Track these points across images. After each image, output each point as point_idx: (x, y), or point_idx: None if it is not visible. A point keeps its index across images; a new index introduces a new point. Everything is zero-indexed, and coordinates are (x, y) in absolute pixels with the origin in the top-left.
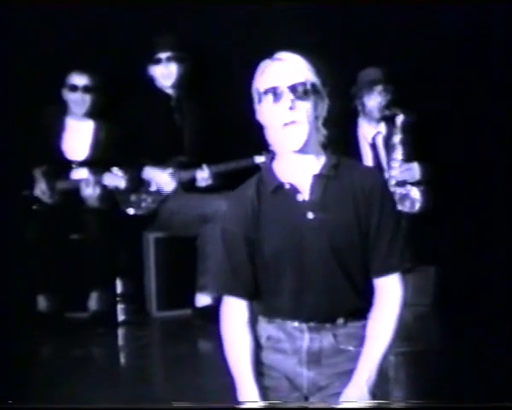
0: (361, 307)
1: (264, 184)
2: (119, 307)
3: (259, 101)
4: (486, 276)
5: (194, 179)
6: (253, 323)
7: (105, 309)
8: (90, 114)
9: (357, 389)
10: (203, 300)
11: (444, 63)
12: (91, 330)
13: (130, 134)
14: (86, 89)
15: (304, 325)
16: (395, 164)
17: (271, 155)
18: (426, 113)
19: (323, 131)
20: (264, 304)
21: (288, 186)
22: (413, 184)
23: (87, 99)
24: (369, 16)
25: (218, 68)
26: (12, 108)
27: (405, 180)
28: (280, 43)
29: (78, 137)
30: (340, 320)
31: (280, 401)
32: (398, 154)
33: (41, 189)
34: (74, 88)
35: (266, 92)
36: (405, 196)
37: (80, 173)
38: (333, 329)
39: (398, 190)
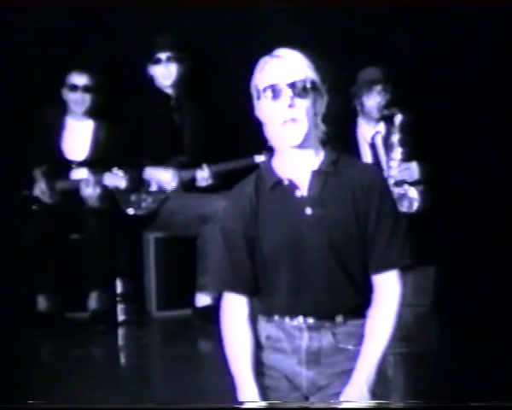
0: (360, 304)
1: (262, 181)
2: (119, 307)
3: (258, 97)
4: (486, 276)
5: (194, 179)
6: (254, 321)
7: (105, 308)
8: (90, 113)
9: (357, 389)
10: (203, 300)
11: (443, 63)
12: (91, 328)
13: (129, 134)
14: (86, 88)
15: (303, 324)
16: (394, 164)
17: (270, 153)
18: (425, 113)
19: (322, 128)
20: (263, 301)
21: (286, 182)
22: (411, 183)
23: (87, 99)
24: (368, 16)
25: (217, 68)
26: (12, 107)
27: (404, 180)
28: (280, 44)
29: (77, 137)
30: (339, 318)
31: (280, 401)
32: (397, 153)
33: (41, 189)
34: (74, 88)
35: (265, 89)
36: (403, 196)
37: (80, 173)
38: (332, 327)
39: (397, 190)
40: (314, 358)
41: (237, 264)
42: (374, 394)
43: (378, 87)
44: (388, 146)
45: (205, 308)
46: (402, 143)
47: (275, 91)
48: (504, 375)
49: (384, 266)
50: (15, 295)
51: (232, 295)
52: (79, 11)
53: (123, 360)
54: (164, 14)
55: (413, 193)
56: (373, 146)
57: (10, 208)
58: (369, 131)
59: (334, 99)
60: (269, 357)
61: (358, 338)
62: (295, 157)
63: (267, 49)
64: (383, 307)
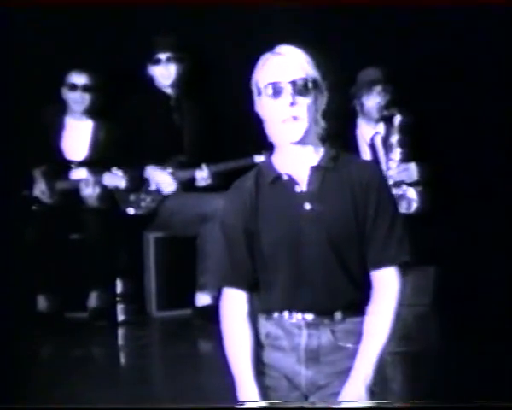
0: (359, 300)
1: (262, 176)
2: (119, 307)
3: (259, 94)
4: (486, 276)
5: (193, 179)
6: (254, 319)
7: (104, 306)
8: (90, 113)
9: (355, 388)
10: (203, 299)
11: (443, 64)
12: (91, 326)
13: (129, 134)
14: (86, 88)
15: (302, 322)
16: (393, 164)
17: (270, 149)
18: (424, 113)
19: (322, 124)
20: (262, 297)
21: (286, 177)
22: (410, 184)
23: (86, 98)
24: (368, 17)
25: (217, 68)
26: (11, 107)
27: (403, 181)
28: (280, 44)
29: (77, 137)
30: (338, 315)
31: (280, 401)
32: (396, 154)
33: (40, 189)
34: (74, 87)
35: (266, 87)
36: (402, 197)
37: (80, 173)
38: (331, 325)
39: (395, 191)
40: (313, 356)
41: (237, 259)
42: (372, 393)
43: (378, 88)
44: (387, 147)
45: (205, 308)
46: (401, 143)
47: (276, 89)
48: (504, 375)
49: (382, 262)
50: (15, 295)
51: (232, 292)
52: (79, 11)
53: (123, 360)
54: (164, 14)
55: (412, 194)
56: (372, 146)
57: (10, 208)
58: (368, 132)
59: (334, 96)
60: (268, 356)
61: (357, 336)
62: (295, 153)
63: (267, 50)
64: (382, 303)
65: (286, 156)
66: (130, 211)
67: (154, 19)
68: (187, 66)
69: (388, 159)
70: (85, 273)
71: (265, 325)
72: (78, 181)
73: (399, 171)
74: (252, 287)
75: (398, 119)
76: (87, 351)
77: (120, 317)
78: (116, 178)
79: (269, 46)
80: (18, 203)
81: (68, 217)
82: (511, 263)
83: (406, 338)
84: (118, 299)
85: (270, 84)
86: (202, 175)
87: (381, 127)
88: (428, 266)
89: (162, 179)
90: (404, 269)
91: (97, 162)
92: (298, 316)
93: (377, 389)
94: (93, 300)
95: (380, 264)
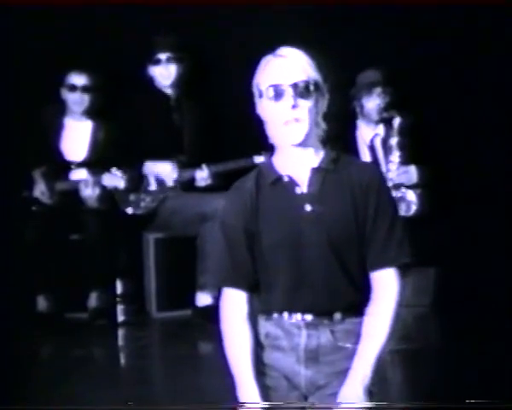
0: (358, 301)
1: (263, 177)
2: (119, 307)
3: (260, 96)
4: (486, 276)
5: (193, 179)
6: (253, 320)
7: (104, 306)
8: (89, 113)
9: (353, 388)
10: (203, 299)
11: (443, 66)
12: (91, 326)
13: (129, 134)
14: (85, 89)
15: (301, 322)
16: (392, 167)
17: (271, 150)
18: (424, 115)
19: (323, 126)
20: (262, 297)
21: (286, 179)
22: (409, 187)
23: (86, 99)
24: (368, 18)
25: (217, 68)
26: (11, 107)
27: (402, 183)
28: (280, 44)
29: (76, 138)
30: (338, 316)
31: (280, 402)
32: (395, 157)
33: (40, 190)
34: (73, 88)
35: (268, 89)
36: (401, 199)
37: (79, 174)
38: (330, 325)
39: (395, 193)
40: (312, 356)
41: (237, 260)
42: (371, 393)
43: (378, 89)
44: (387, 149)
45: (205, 308)
46: (400, 146)
47: (277, 91)
48: (504, 375)
49: (382, 263)
50: (15, 295)
51: (232, 292)
52: (79, 11)
53: (123, 360)
54: (164, 14)
55: (411, 196)
56: (372, 148)
57: (10, 209)
58: (368, 134)
59: (335, 98)
60: (268, 356)
61: (357, 336)
62: (296, 155)
63: (267, 50)
64: (381, 304)
65: (286, 158)
66: (130, 211)
67: (154, 19)
68: (187, 66)
69: (388, 161)
70: (85, 273)
71: (265, 326)
72: (77, 182)
73: (399, 173)
74: (252, 288)
75: (397, 121)
76: (87, 351)
77: (120, 317)
78: (116, 179)
79: (268, 46)
80: (18, 204)
81: (68, 217)
82: (511, 263)
83: (405, 338)
84: (118, 299)
85: (271, 86)
86: (202, 175)
87: (381, 129)
88: (428, 267)
89: (163, 170)
90: (404, 271)
91: (97, 163)
92: (297, 316)
93: (376, 389)
94: (93, 300)
95: (379, 265)
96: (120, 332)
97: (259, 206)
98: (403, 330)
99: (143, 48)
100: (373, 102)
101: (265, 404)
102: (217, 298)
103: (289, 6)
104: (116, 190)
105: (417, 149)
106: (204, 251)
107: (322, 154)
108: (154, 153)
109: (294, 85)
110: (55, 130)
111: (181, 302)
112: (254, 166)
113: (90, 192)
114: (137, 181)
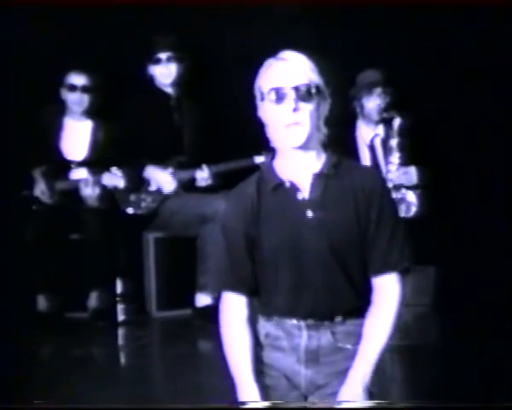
0: (359, 305)
1: (264, 182)
2: (119, 307)
3: (262, 99)
4: (486, 276)
5: (193, 179)
6: (253, 321)
7: (105, 306)
8: (89, 113)
9: (352, 389)
10: (203, 300)
11: (443, 66)
12: (91, 326)
13: (129, 134)
14: (85, 89)
15: (302, 323)
16: (392, 168)
17: (272, 154)
18: (424, 116)
19: (324, 130)
20: (262, 301)
21: (288, 184)
22: (409, 187)
23: (86, 99)
24: (368, 18)
25: (217, 68)
26: (11, 107)
27: (402, 184)
28: (279, 44)
29: (76, 137)
30: (339, 318)
31: (280, 401)
32: (395, 157)
33: (40, 189)
34: (73, 88)
35: (269, 92)
36: (401, 200)
37: (79, 173)
38: (331, 327)
39: (395, 194)
40: (313, 356)
41: (237, 263)
42: (370, 393)
43: (378, 90)
44: (387, 149)
45: (205, 308)
46: (400, 146)
47: (279, 95)
48: (504, 375)
49: (384, 269)
50: (15, 295)
51: (231, 296)
52: (79, 11)
53: (123, 360)
54: (164, 14)
55: (411, 197)
56: (372, 148)
57: (10, 209)
58: (368, 134)
59: (336, 101)
60: (268, 356)
61: (357, 337)
62: (297, 159)
63: (267, 50)
64: (382, 308)
65: (288, 162)
66: (130, 211)
67: (154, 19)
68: (187, 65)
69: (388, 162)
70: (85, 273)
71: (265, 326)
72: (77, 181)
73: (399, 174)
74: (252, 291)
75: (397, 121)
76: (87, 351)
77: (120, 317)
78: (115, 178)
79: (268, 46)
80: (18, 203)
81: (68, 217)
82: (511, 263)
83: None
84: (118, 299)
85: (273, 89)
86: (203, 175)
87: (381, 129)
88: (428, 267)
89: (162, 179)
90: (404, 274)
91: (97, 162)
92: (298, 320)
93: (375, 389)
94: (93, 300)
95: (381, 270)
96: (120, 332)
97: (261, 211)
98: (402, 330)
99: (143, 48)
100: (373, 103)
101: (265, 404)
102: (216, 298)
103: (289, 6)
104: (116, 189)
105: (417, 150)
106: (204, 252)
107: (323, 158)
108: (154, 153)
109: (296, 89)
110: (55, 130)
111: (181, 302)
112: (255, 166)
113: (90, 192)
114: (137, 181)
